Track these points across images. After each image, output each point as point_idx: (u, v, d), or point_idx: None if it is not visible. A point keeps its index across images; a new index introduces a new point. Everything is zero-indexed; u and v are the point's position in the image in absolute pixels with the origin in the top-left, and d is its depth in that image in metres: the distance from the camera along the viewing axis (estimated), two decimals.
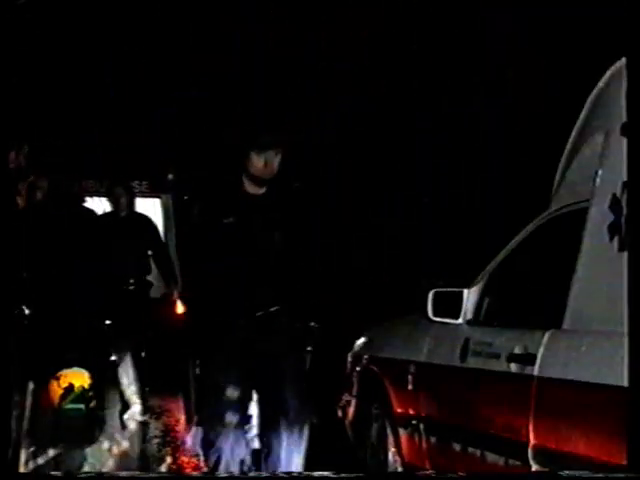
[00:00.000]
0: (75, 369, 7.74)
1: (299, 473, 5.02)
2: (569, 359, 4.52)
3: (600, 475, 3.98)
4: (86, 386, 7.70)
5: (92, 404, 7.69)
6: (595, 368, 4.32)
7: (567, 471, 4.13)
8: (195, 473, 7.36)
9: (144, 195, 12.80)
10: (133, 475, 6.07)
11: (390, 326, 7.13)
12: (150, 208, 12.83)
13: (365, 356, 6.52)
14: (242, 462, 5.63)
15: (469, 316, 5.43)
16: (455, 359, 5.36)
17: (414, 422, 5.77)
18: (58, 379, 7.58)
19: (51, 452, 7.10)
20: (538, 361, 4.66)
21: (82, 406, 7.49)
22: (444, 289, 5.61)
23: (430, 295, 5.51)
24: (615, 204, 4.41)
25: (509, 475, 4.70)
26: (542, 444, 4.59)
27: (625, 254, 4.32)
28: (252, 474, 5.51)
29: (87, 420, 7.59)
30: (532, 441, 4.63)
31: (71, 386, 7.61)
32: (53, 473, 6.26)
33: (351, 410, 6.60)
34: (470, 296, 5.43)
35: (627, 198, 3.73)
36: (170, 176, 12.94)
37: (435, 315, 5.50)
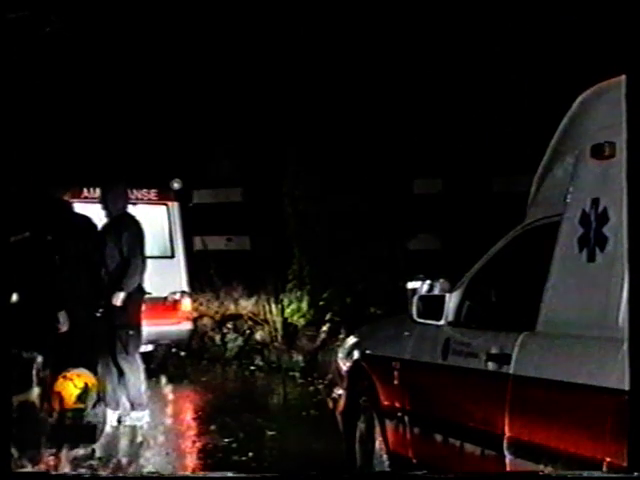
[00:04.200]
0: (81, 369, 7.61)
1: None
2: (541, 359, 4.57)
3: (600, 475, 3.97)
4: (97, 385, 7.58)
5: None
6: (565, 368, 4.36)
7: (568, 472, 4.13)
8: (194, 473, 7.30)
9: (151, 203, 12.78)
10: (132, 475, 6.01)
11: (378, 326, 7.16)
12: (157, 215, 12.83)
13: (355, 353, 6.54)
14: None
15: (450, 318, 5.45)
16: (437, 357, 5.39)
17: (399, 414, 5.78)
18: (71, 379, 7.42)
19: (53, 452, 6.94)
20: (513, 361, 4.70)
21: (83, 406, 7.34)
22: (428, 294, 5.64)
23: (415, 299, 5.54)
24: (584, 219, 4.46)
25: (509, 475, 4.69)
26: (516, 436, 4.62)
27: (593, 264, 4.38)
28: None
29: (90, 420, 7.44)
30: (507, 433, 4.66)
31: (86, 386, 7.47)
32: (53, 473, 6.14)
33: (342, 403, 6.61)
34: (451, 300, 5.46)
35: (627, 203, 3.71)
36: (176, 185, 12.86)
37: (419, 317, 5.52)
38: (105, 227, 9.13)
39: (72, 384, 7.33)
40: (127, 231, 8.96)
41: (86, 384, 7.39)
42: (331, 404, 6.88)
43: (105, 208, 9.10)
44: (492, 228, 5.99)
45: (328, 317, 13.05)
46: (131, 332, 8.80)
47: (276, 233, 14.74)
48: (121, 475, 6.16)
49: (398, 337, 5.99)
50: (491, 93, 12.41)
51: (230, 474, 3.85)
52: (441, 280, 5.75)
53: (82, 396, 7.27)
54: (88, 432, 7.34)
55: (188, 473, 7.32)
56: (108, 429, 8.63)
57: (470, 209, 13.27)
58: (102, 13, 11.93)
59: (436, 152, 13.34)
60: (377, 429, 6.05)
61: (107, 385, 8.92)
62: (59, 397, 7.36)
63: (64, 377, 7.48)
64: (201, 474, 7.01)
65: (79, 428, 7.28)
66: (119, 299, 8.69)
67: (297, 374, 12.38)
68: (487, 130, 12.62)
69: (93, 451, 7.27)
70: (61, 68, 13.50)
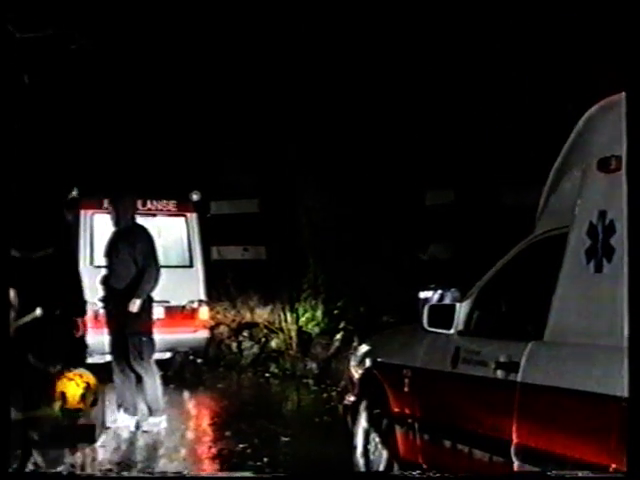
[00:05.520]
0: (81, 369, 7.60)
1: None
2: (549, 368, 4.58)
3: (602, 476, 3.98)
4: (97, 385, 7.55)
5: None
6: (572, 376, 4.37)
7: (569, 472, 4.14)
8: (196, 473, 7.29)
9: (170, 214, 12.84)
10: (133, 475, 6.01)
11: (390, 334, 7.17)
12: (176, 226, 12.88)
13: (367, 361, 6.55)
14: None
15: (460, 327, 5.47)
16: (447, 365, 5.40)
17: (410, 421, 5.79)
18: (73, 379, 7.40)
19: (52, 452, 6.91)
20: (521, 369, 4.71)
21: (83, 406, 7.32)
22: (439, 303, 5.66)
23: (426, 308, 5.56)
24: (592, 231, 4.47)
25: (508, 475, 4.70)
26: (524, 443, 4.63)
27: (600, 275, 4.39)
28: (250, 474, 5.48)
29: (90, 420, 7.42)
30: (515, 440, 4.67)
31: (88, 385, 7.45)
32: (53, 473, 6.12)
33: (353, 409, 6.61)
34: (461, 309, 5.47)
35: (627, 212, 3.73)
36: (195, 196, 12.91)
37: (430, 326, 5.54)
38: (116, 237, 9.13)
39: (74, 384, 7.29)
40: (140, 242, 8.98)
41: (88, 384, 7.36)
42: (342, 411, 6.89)
43: (116, 218, 9.12)
44: (503, 239, 5.99)
45: (342, 326, 13.06)
46: (144, 338, 8.86)
47: (291, 243, 14.77)
48: (123, 475, 6.16)
49: (409, 345, 6.00)
50: (502, 104, 12.40)
51: (240, 474, 3.84)
52: (452, 290, 5.76)
53: (84, 396, 7.24)
54: (88, 432, 7.32)
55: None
56: (126, 434, 8.68)
57: (481, 220, 13.26)
58: (122, 30, 12.01)
59: (448, 163, 13.34)
60: (388, 436, 6.06)
61: (125, 391, 8.96)
62: (62, 397, 7.32)
63: (66, 377, 7.46)
64: (200, 474, 7.01)
65: (79, 428, 7.26)
66: (136, 306, 8.76)
67: (311, 381, 12.38)
68: (498, 141, 12.61)
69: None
70: (84, 83, 13.59)
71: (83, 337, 8.36)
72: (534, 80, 11.98)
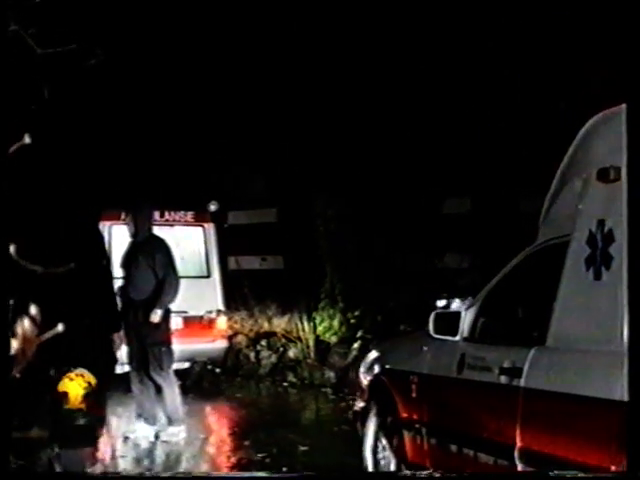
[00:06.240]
0: (81, 369, 7.67)
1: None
2: (551, 373, 4.69)
3: (604, 476, 4.07)
4: (98, 385, 7.62)
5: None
6: (573, 381, 4.47)
7: (569, 472, 4.23)
8: (196, 473, 7.35)
9: (188, 224, 12.98)
10: (134, 475, 6.08)
11: (397, 341, 7.28)
12: (194, 236, 13.02)
13: (375, 367, 6.66)
14: None
15: (465, 334, 5.58)
16: (453, 371, 5.52)
17: (417, 426, 5.90)
18: (74, 380, 7.47)
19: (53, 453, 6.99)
20: (524, 374, 4.83)
21: (83, 406, 7.39)
22: (444, 310, 5.77)
23: (432, 315, 5.67)
24: (591, 239, 4.58)
25: (508, 475, 4.79)
26: (527, 446, 4.73)
27: (599, 283, 4.49)
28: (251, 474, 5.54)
29: (90, 421, 7.50)
30: (518, 443, 4.78)
31: (89, 386, 7.52)
32: (53, 473, 6.20)
33: (362, 414, 6.71)
34: (466, 316, 5.59)
35: (627, 219, 3.84)
36: (212, 207, 13.03)
37: (436, 333, 5.66)
38: (133, 248, 9.25)
39: (76, 384, 7.36)
40: (159, 253, 9.12)
41: (89, 384, 7.43)
42: (352, 416, 6.99)
43: (133, 230, 9.24)
44: (520, 247, 6.08)
45: (359, 334, 13.13)
46: (164, 348, 8.99)
47: (309, 252, 14.86)
48: (123, 475, 6.24)
49: (416, 352, 6.11)
50: (520, 113, 12.45)
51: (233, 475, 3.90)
52: (469, 298, 5.87)
53: (86, 396, 7.32)
54: (88, 433, 7.40)
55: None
56: (146, 444, 8.79)
57: (499, 228, 13.30)
58: (135, 46, 12.18)
59: (465, 172, 13.39)
60: (395, 440, 6.16)
61: (144, 401, 9.08)
62: (65, 397, 7.38)
63: (68, 377, 7.52)
64: (201, 474, 7.08)
65: (80, 428, 7.33)
66: (157, 316, 8.90)
67: (329, 390, 12.45)
68: (516, 150, 12.65)
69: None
70: (101, 97, 13.77)
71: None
72: (550, 89, 12.04)
